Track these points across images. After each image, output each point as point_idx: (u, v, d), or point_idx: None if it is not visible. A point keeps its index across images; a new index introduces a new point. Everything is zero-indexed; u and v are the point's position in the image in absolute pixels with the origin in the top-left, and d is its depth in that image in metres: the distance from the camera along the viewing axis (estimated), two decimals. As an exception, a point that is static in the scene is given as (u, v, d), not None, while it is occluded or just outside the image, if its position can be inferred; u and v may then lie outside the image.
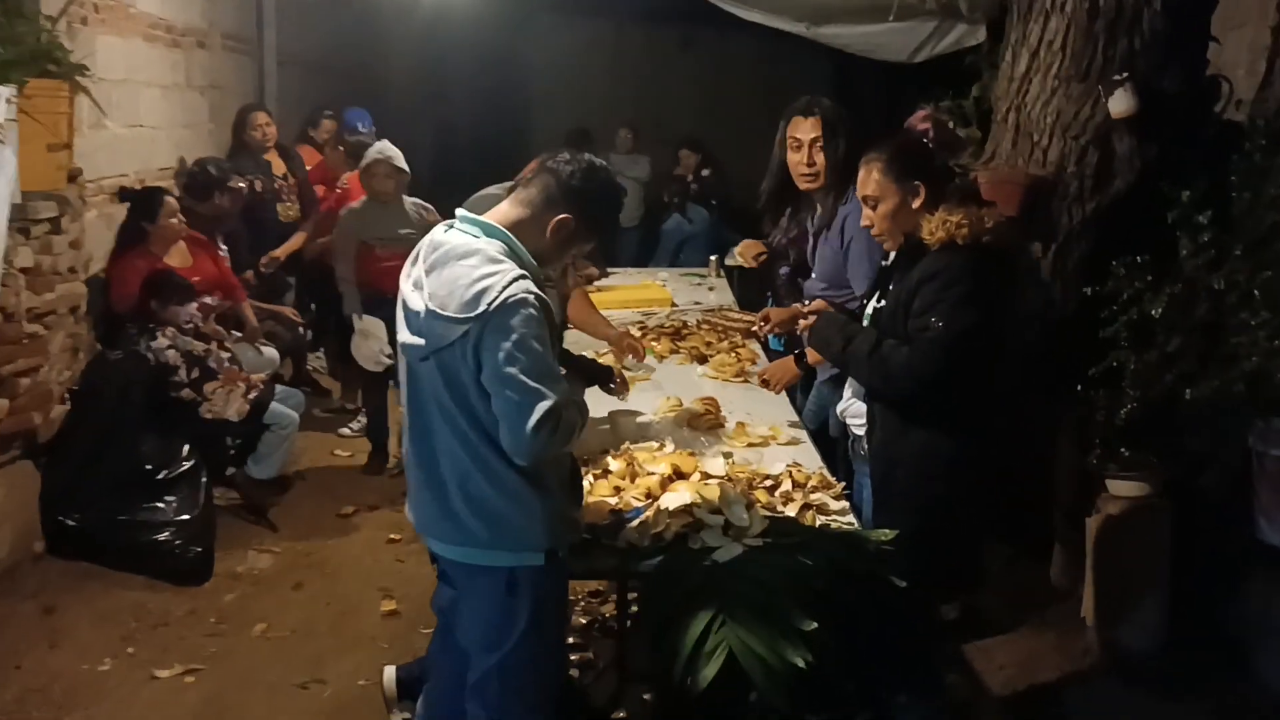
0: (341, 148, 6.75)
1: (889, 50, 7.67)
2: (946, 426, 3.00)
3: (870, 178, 3.08)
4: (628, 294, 6.05)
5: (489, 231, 2.48)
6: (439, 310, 2.38)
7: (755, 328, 3.92)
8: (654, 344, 4.80)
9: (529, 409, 2.33)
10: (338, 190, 6.73)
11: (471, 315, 2.34)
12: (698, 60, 12.94)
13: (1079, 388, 4.03)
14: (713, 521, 2.82)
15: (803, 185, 3.95)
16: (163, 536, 4.47)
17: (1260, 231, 3.72)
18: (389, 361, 5.32)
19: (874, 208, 3.09)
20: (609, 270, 7.11)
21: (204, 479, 4.71)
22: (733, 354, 4.61)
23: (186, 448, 4.71)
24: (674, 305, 5.88)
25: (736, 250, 4.88)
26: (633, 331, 5.01)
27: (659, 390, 4.15)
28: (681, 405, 3.88)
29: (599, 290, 6.14)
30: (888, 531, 2.79)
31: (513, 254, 2.46)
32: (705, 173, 9.13)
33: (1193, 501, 3.93)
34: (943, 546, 3.03)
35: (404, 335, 2.50)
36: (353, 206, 5.69)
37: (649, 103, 11.99)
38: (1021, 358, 3.89)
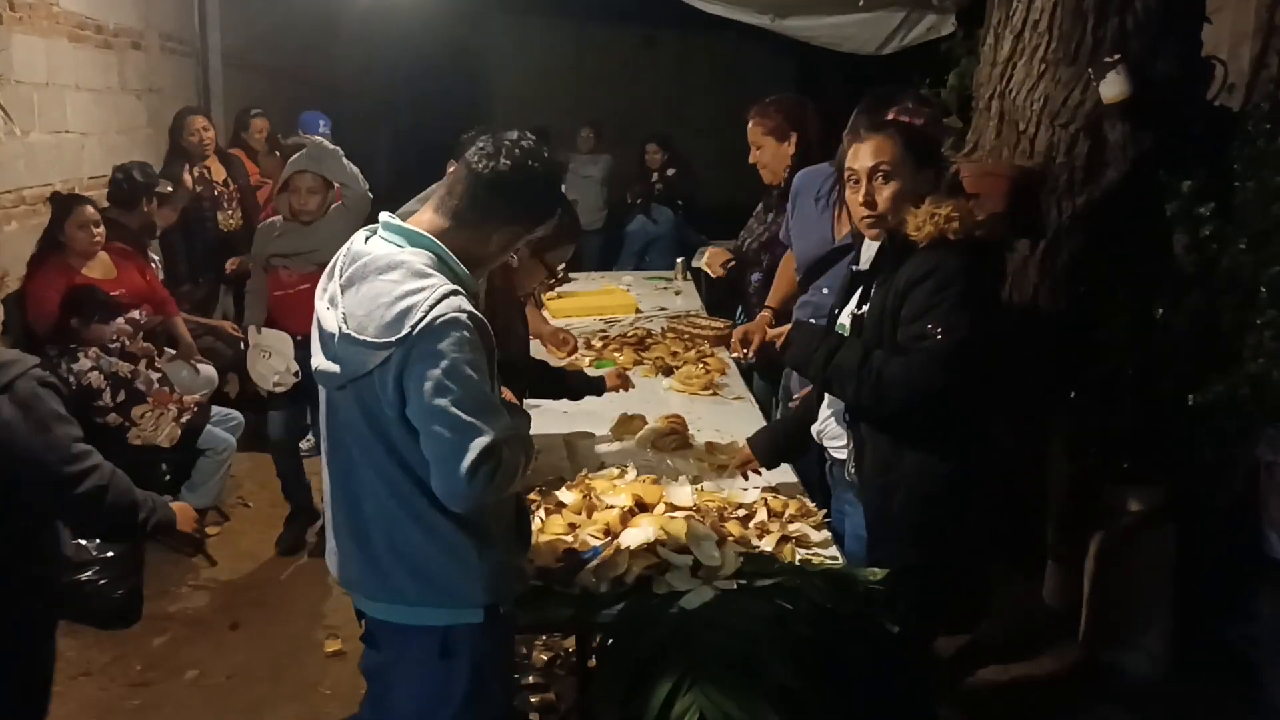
0: (278, 152, 6.39)
1: (856, 42, 7.46)
2: (944, 444, 2.67)
3: (889, 146, 2.68)
4: (589, 300, 5.74)
5: (414, 240, 2.14)
6: (356, 333, 2.05)
7: (736, 353, 3.62)
8: (616, 355, 4.49)
9: (463, 448, 2.00)
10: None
11: (393, 339, 2.01)
12: (661, 59, 12.73)
13: (1072, 394, 3.76)
14: (680, 561, 2.50)
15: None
16: (85, 576, 4.05)
17: (1264, 223, 3.46)
18: (285, 386, 4.77)
19: (885, 180, 2.68)
20: (570, 275, 6.81)
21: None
22: (700, 364, 4.29)
23: (112, 478, 4.32)
24: (638, 311, 5.57)
25: (703, 260, 4.58)
26: (594, 342, 4.72)
27: (618, 405, 3.83)
28: (645, 424, 3.57)
29: (558, 296, 5.83)
30: (877, 570, 2.48)
31: (442, 265, 2.12)
32: (670, 172, 8.82)
33: (1197, 515, 3.67)
34: (949, 579, 2.72)
35: (318, 360, 2.15)
36: (271, 220, 5.10)
37: (613, 102, 11.75)
38: (1011, 362, 3.60)
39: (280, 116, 7.37)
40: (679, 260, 6.90)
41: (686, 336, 4.67)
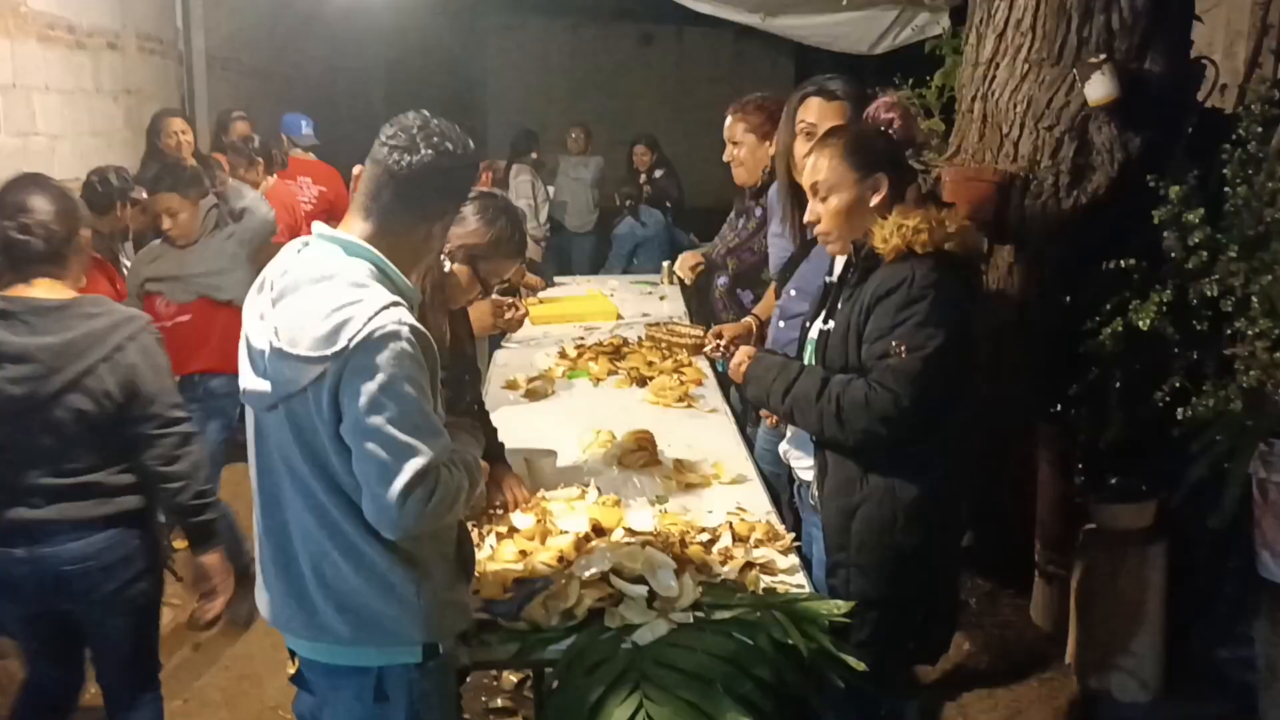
0: (260, 159, 6.25)
1: (848, 41, 7.38)
2: (910, 467, 2.53)
3: (824, 162, 2.58)
4: (570, 306, 5.62)
5: (350, 250, 2.00)
6: (287, 348, 1.91)
7: (708, 348, 3.37)
8: (590, 364, 4.36)
9: (396, 469, 1.87)
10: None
11: (328, 352, 1.87)
12: (657, 58, 12.62)
13: (1058, 407, 3.62)
14: (634, 592, 2.37)
15: None
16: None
17: (1256, 230, 3.31)
18: None
19: (824, 199, 2.60)
20: (557, 280, 6.70)
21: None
22: (676, 375, 4.15)
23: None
24: (619, 318, 5.44)
25: (676, 265, 4.46)
26: (568, 350, 4.59)
27: (587, 419, 3.70)
28: (614, 439, 3.44)
29: (541, 302, 5.72)
30: (841, 603, 2.34)
31: (382, 276, 1.99)
32: (658, 174, 8.70)
33: (1188, 533, 3.53)
34: (910, 610, 2.57)
35: (247, 379, 2.01)
36: (153, 243, 4.69)
37: (608, 102, 11.65)
38: (993, 374, 3.48)
39: (266, 119, 7.26)
40: (665, 264, 6.78)
41: (664, 345, 4.52)
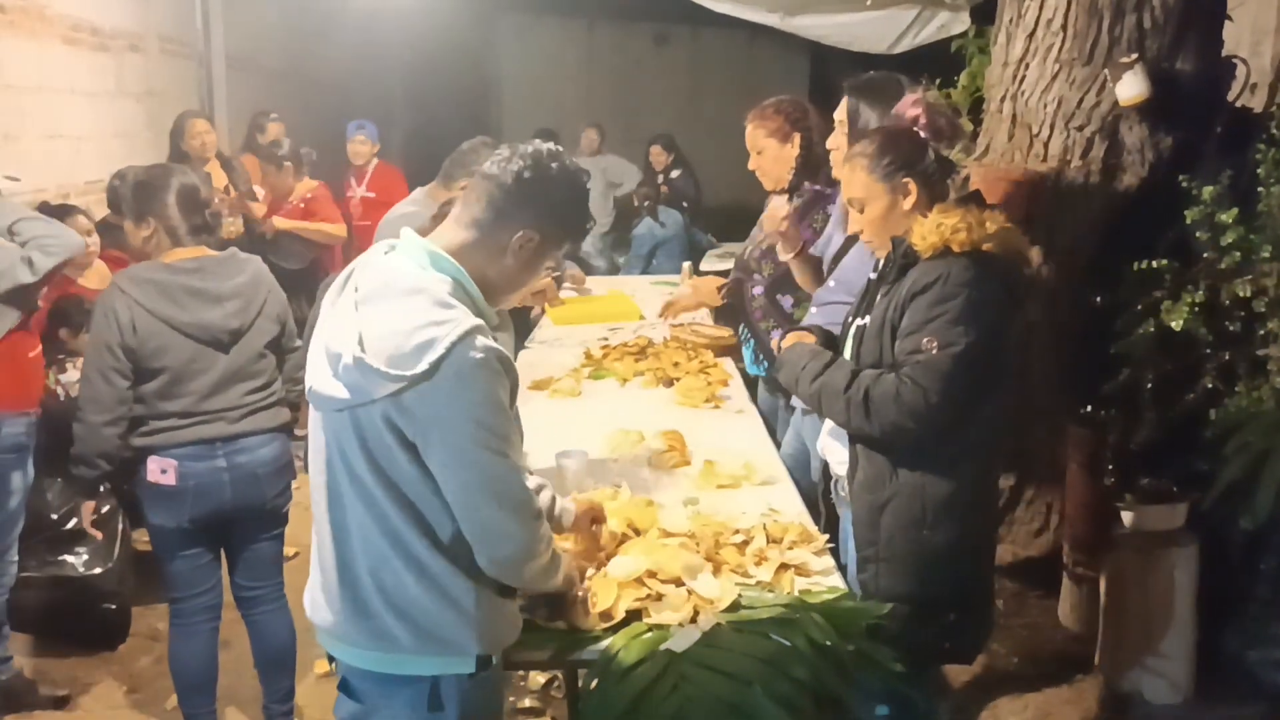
0: (288, 163, 6.25)
1: (868, 41, 7.34)
2: (941, 465, 2.53)
3: (855, 177, 2.61)
4: (593, 307, 5.60)
5: (436, 262, 1.98)
6: (368, 359, 1.88)
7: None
8: (616, 365, 4.35)
9: (510, 495, 1.92)
10: (296, 205, 6.27)
11: (408, 373, 1.85)
12: (673, 57, 12.60)
13: (1089, 407, 3.61)
14: (672, 593, 2.37)
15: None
16: (71, 595, 3.99)
17: (1290, 230, 3.30)
18: None
19: (861, 210, 2.64)
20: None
21: (121, 526, 4.21)
22: (702, 375, 4.14)
23: (101, 489, 4.22)
24: (642, 318, 5.43)
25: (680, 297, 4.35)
26: (593, 350, 4.58)
27: (615, 420, 3.69)
28: (643, 439, 3.43)
29: (562, 303, 5.70)
30: (881, 605, 2.34)
31: (463, 293, 1.97)
32: (675, 174, 8.68)
33: (1220, 535, 3.51)
34: (941, 608, 2.56)
35: (318, 380, 1.98)
36: None
37: (624, 101, 11.64)
38: (1023, 374, 3.46)
39: (286, 119, 7.26)
40: (686, 264, 6.77)
41: (689, 346, 4.52)
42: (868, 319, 2.64)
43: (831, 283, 3.28)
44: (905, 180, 2.56)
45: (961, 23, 6.37)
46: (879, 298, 2.62)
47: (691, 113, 11.79)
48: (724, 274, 7.32)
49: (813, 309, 3.30)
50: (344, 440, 1.97)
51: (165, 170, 3.41)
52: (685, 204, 8.67)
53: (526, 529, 1.95)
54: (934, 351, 2.44)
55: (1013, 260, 2.53)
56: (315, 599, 2.12)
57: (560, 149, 2.09)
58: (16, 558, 3.61)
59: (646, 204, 8.63)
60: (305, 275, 6.09)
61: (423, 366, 1.85)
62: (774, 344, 3.26)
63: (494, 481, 1.90)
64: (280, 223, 6.25)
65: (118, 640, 4.04)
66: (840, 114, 3.26)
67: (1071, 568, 3.90)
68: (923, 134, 2.59)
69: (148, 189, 3.28)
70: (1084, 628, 3.86)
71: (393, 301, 1.93)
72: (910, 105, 2.62)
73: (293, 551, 4.84)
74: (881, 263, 2.71)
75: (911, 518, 2.55)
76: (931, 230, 2.47)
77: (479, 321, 1.92)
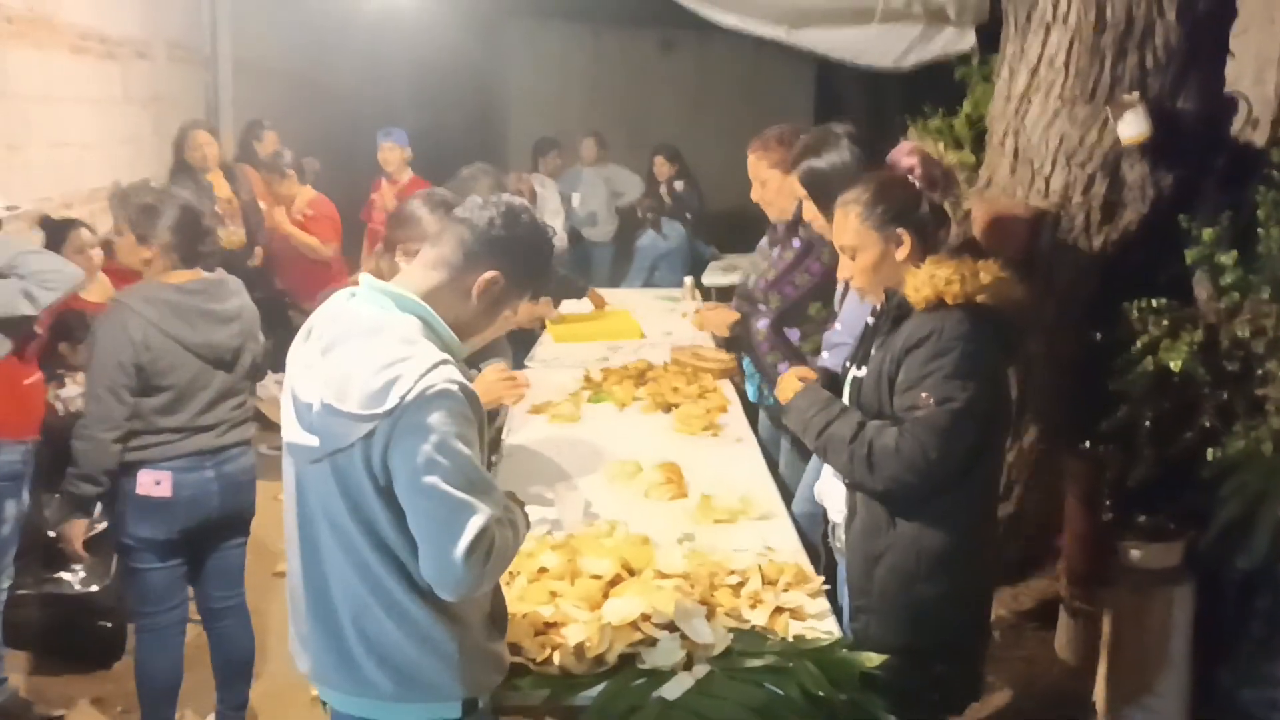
0: (290, 170, 6.26)
1: (873, 55, 7.34)
2: (939, 516, 2.53)
3: (848, 224, 2.60)
4: (593, 325, 5.60)
5: (401, 304, 2.02)
6: (336, 403, 1.91)
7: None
8: (615, 388, 4.36)
9: (457, 528, 1.88)
10: (294, 217, 6.28)
11: (379, 410, 1.88)
12: (679, 64, 12.57)
13: (1087, 443, 3.61)
14: (666, 638, 2.37)
15: None
16: (66, 613, 4.00)
17: (1290, 271, 3.30)
18: None
19: (853, 258, 2.64)
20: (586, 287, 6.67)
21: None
22: (701, 401, 4.14)
23: (98, 508, 4.22)
24: (643, 337, 5.43)
25: (699, 320, 4.29)
26: (592, 373, 4.58)
27: (613, 447, 3.70)
28: (640, 470, 3.44)
29: (562, 319, 5.70)
30: (874, 656, 2.34)
31: (430, 332, 2.01)
32: (678, 185, 8.62)
33: (1216, 573, 3.51)
34: (933, 660, 2.56)
35: (291, 432, 2.02)
36: None
37: (628, 108, 11.62)
38: (1021, 409, 3.47)
39: (291, 125, 7.28)
40: (688, 279, 6.77)
41: (689, 370, 4.51)
42: (864, 370, 2.64)
43: (838, 325, 3.29)
44: (899, 230, 2.55)
45: (967, 40, 6.36)
46: (874, 349, 2.62)
47: (697, 119, 11.75)
48: (728, 290, 7.32)
49: (824, 353, 3.30)
50: (323, 490, 1.98)
51: (169, 194, 3.51)
52: (688, 215, 8.62)
53: (471, 569, 1.90)
54: (931, 407, 2.44)
55: (1007, 310, 2.52)
56: (299, 648, 2.14)
57: (528, 206, 2.16)
58: (9, 582, 3.61)
59: (649, 216, 8.61)
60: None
61: (391, 403, 1.88)
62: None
63: (446, 513, 1.89)
64: (280, 218, 6.25)
65: (113, 658, 4.05)
66: (799, 190, 3.30)
67: (1068, 601, 3.91)
68: (917, 184, 2.58)
69: (153, 212, 3.33)
70: (1080, 661, 3.85)
71: (356, 344, 1.96)
72: (905, 154, 2.62)
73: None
74: (876, 311, 2.71)
75: (906, 571, 2.55)
76: (925, 282, 2.47)
77: (444, 355, 1.95)
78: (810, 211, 3.31)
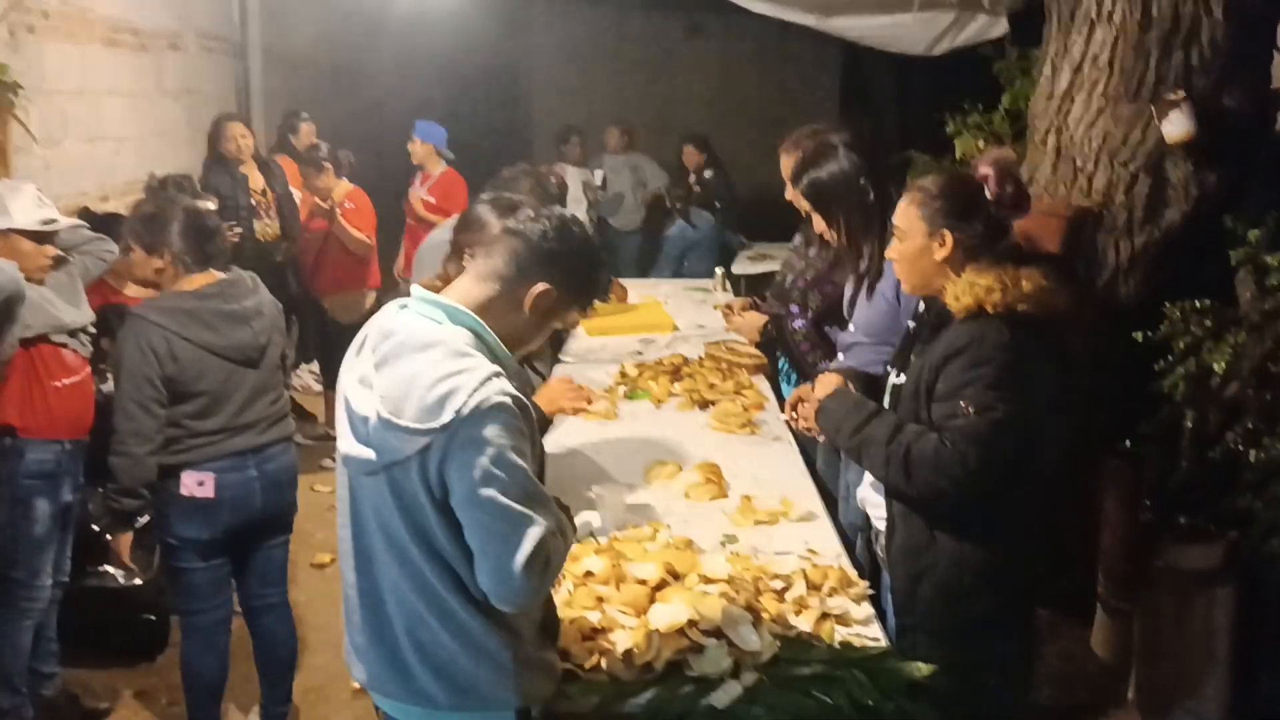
0: (328, 164, 6.25)
1: (905, 42, 7.30)
2: (979, 530, 2.52)
3: (907, 208, 2.61)
4: (626, 318, 5.59)
5: (453, 316, 2.03)
6: (392, 417, 1.93)
7: (787, 417, 3.21)
8: (651, 384, 4.36)
9: (516, 541, 1.90)
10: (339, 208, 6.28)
11: (434, 425, 1.90)
12: (705, 48, 12.51)
13: (1128, 444, 3.60)
14: (713, 644, 2.39)
15: None
16: (111, 606, 4.04)
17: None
18: None
19: (900, 241, 2.65)
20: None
21: (160, 535, 4.27)
22: (737, 399, 4.14)
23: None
24: (675, 330, 5.43)
25: (730, 325, 4.28)
26: (628, 368, 4.59)
27: (651, 445, 3.71)
28: (679, 470, 3.45)
29: (595, 312, 5.68)
30: (924, 666, 2.34)
31: (481, 344, 2.02)
32: (708, 174, 8.59)
33: (1258, 575, 3.49)
34: (980, 676, 2.56)
35: (346, 444, 2.04)
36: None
37: (653, 95, 11.57)
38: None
39: (320, 114, 7.28)
40: (718, 270, 6.76)
41: (724, 365, 4.52)
42: (903, 377, 2.64)
43: (851, 327, 3.33)
44: (944, 230, 2.54)
45: (999, 27, 6.31)
46: (913, 357, 2.62)
47: (723, 105, 11.70)
48: (758, 279, 7.28)
49: (840, 354, 3.32)
50: (378, 502, 2.00)
51: (170, 200, 3.56)
52: (718, 204, 8.59)
53: (530, 581, 1.92)
54: (971, 416, 2.43)
55: (1049, 320, 2.49)
56: (354, 657, 2.17)
57: (580, 219, 2.20)
58: (50, 580, 3.63)
59: (679, 205, 8.58)
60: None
61: (447, 417, 1.89)
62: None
63: (505, 525, 1.91)
64: (330, 210, 6.23)
65: (157, 651, 4.10)
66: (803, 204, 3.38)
67: (1106, 600, 3.90)
68: (987, 193, 2.56)
69: (157, 222, 3.36)
70: (1117, 659, 3.85)
71: (410, 358, 1.97)
72: (987, 162, 2.60)
73: (328, 558, 4.91)
74: (917, 317, 2.70)
75: (950, 588, 2.55)
76: (965, 290, 2.46)
77: (496, 368, 1.97)
78: (819, 224, 3.35)
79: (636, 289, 6.44)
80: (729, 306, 4.24)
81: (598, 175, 8.54)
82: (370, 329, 2.10)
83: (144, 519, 4.06)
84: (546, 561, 1.93)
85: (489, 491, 1.90)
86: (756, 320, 3.92)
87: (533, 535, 1.90)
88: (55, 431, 3.56)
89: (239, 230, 5.71)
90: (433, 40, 10.25)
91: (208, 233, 3.40)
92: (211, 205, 5.38)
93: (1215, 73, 3.54)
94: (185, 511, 3.35)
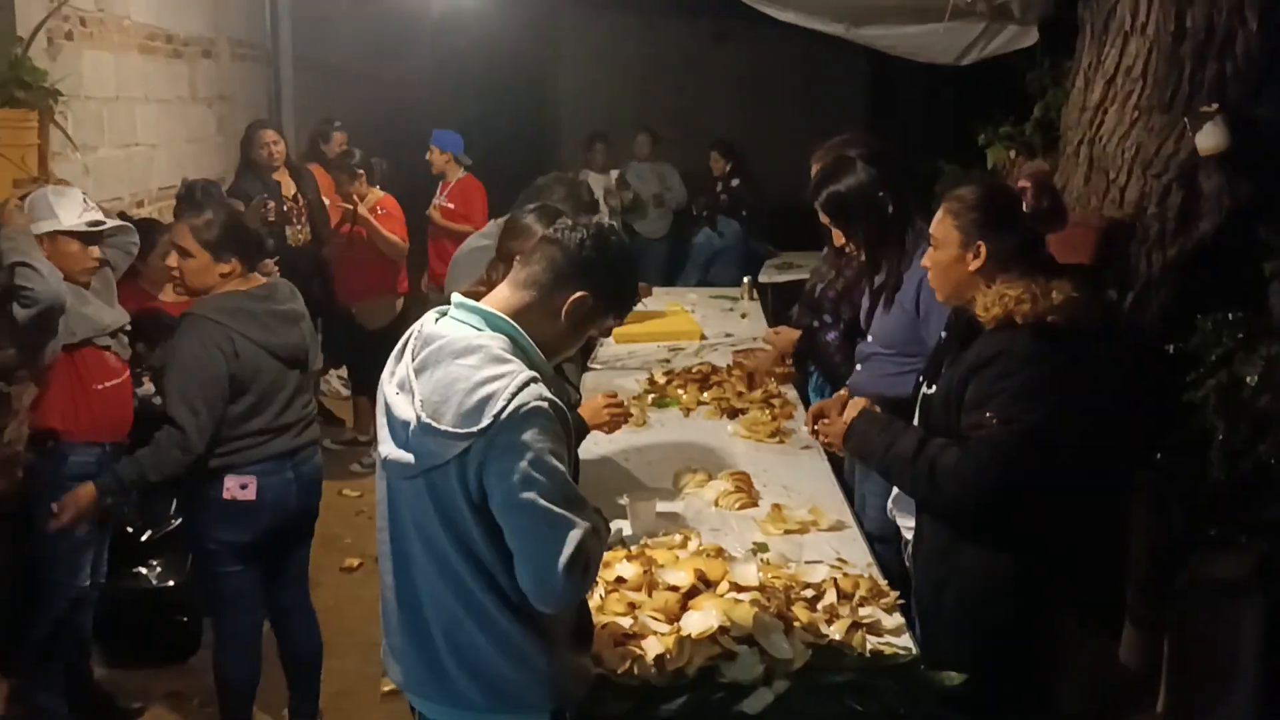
0: (360, 170, 6.30)
1: (934, 52, 7.28)
2: (1007, 541, 2.53)
3: (944, 218, 2.62)
4: (654, 325, 5.61)
5: (492, 323, 2.07)
6: (432, 422, 1.97)
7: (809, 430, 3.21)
8: (680, 392, 4.39)
9: (558, 543, 1.93)
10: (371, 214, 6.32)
11: (474, 429, 1.93)
12: (733, 54, 12.52)
13: (1158, 455, 3.59)
14: (745, 652, 2.40)
15: None
16: (144, 607, 4.09)
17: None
18: None
19: (935, 249, 2.66)
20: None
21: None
22: (766, 407, 4.16)
23: (175, 503, 4.32)
24: (703, 338, 5.45)
25: (763, 337, 4.30)
26: (657, 376, 4.61)
27: (680, 453, 3.73)
28: (710, 479, 3.47)
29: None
30: (956, 675, 2.35)
31: (518, 350, 2.06)
32: (735, 182, 8.59)
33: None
34: (1005, 688, 2.56)
35: (387, 448, 2.07)
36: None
37: (680, 101, 11.58)
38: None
39: (350, 121, 7.33)
40: (746, 279, 6.77)
41: (757, 374, 4.53)
42: (935, 389, 2.65)
43: (870, 338, 3.36)
44: (979, 242, 2.55)
45: (1029, 37, 6.29)
46: (944, 368, 2.63)
47: (750, 111, 11.71)
48: (784, 287, 7.28)
49: (858, 365, 3.35)
50: (417, 505, 2.04)
51: (225, 206, 3.77)
52: (744, 212, 8.59)
53: (571, 582, 1.96)
54: (996, 426, 2.44)
55: (1078, 331, 2.50)
56: (392, 660, 2.20)
57: (617, 229, 2.24)
58: (88, 581, 3.67)
59: (705, 213, 8.59)
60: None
61: (485, 421, 1.92)
62: None
63: (545, 528, 1.94)
64: (363, 214, 6.26)
65: (189, 652, 4.15)
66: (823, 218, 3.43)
67: (1134, 610, 3.89)
68: (1024, 206, 2.57)
69: (230, 229, 3.41)
70: (1147, 671, 3.84)
71: (449, 364, 2.00)
72: (1026, 174, 2.62)
73: (356, 562, 4.95)
74: (948, 327, 2.71)
75: (974, 597, 2.56)
76: (995, 301, 2.47)
77: (533, 374, 2.00)
78: (839, 237, 3.39)
79: (664, 296, 6.46)
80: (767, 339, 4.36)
81: (613, 176, 8.55)
82: (410, 334, 2.14)
83: (175, 522, 4.14)
84: (587, 563, 1.97)
85: (529, 495, 1.93)
86: (790, 335, 3.96)
87: (574, 537, 1.94)
88: (97, 434, 3.60)
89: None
90: (461, 47, 10.33)
91: (257, 238, 3.56)
92: (241, 209, 5.48)
93: (1249, 84, 3.53)
94: (227, 515, 3.38)
